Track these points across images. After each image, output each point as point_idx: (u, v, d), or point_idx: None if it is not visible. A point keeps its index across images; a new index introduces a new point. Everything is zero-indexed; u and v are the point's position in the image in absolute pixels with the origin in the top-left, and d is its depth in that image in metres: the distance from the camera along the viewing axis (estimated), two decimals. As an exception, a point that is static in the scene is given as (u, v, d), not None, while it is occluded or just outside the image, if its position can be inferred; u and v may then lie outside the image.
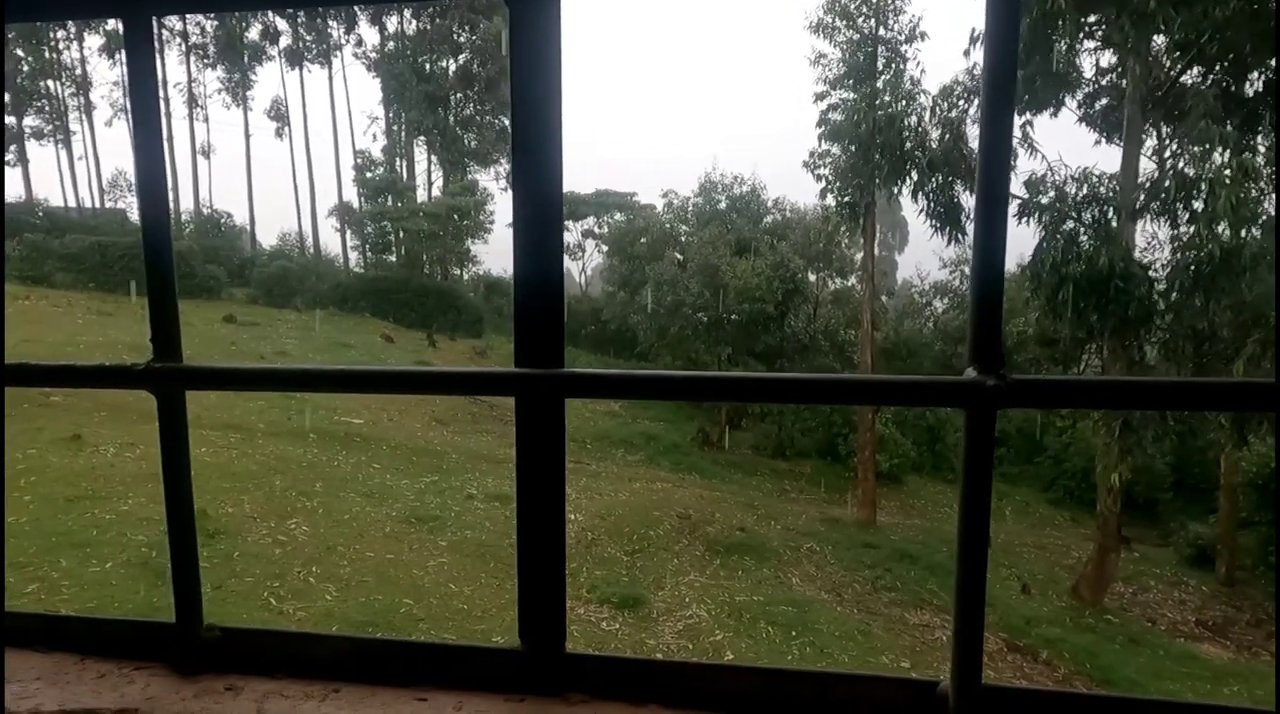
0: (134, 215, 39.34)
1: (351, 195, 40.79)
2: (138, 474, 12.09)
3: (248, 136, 41.94)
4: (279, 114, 42.75)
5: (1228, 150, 12.95)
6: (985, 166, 0.77)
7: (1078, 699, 0.83)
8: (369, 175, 39.38)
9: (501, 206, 38.51)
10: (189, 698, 0.88)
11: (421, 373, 0.90)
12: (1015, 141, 14.79)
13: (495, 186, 42.68)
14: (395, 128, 43.10)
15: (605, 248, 35.97)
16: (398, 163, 42.36)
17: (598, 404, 23.38)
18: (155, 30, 0.91)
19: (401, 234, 37.16)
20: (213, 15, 40.06)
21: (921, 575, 13.72)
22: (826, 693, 0.88)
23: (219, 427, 15.24)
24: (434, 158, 43.51)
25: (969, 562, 0.80)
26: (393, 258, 38.88)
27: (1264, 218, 13.01)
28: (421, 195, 41.36)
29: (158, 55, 0.93)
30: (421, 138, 42.94)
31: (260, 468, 13.55)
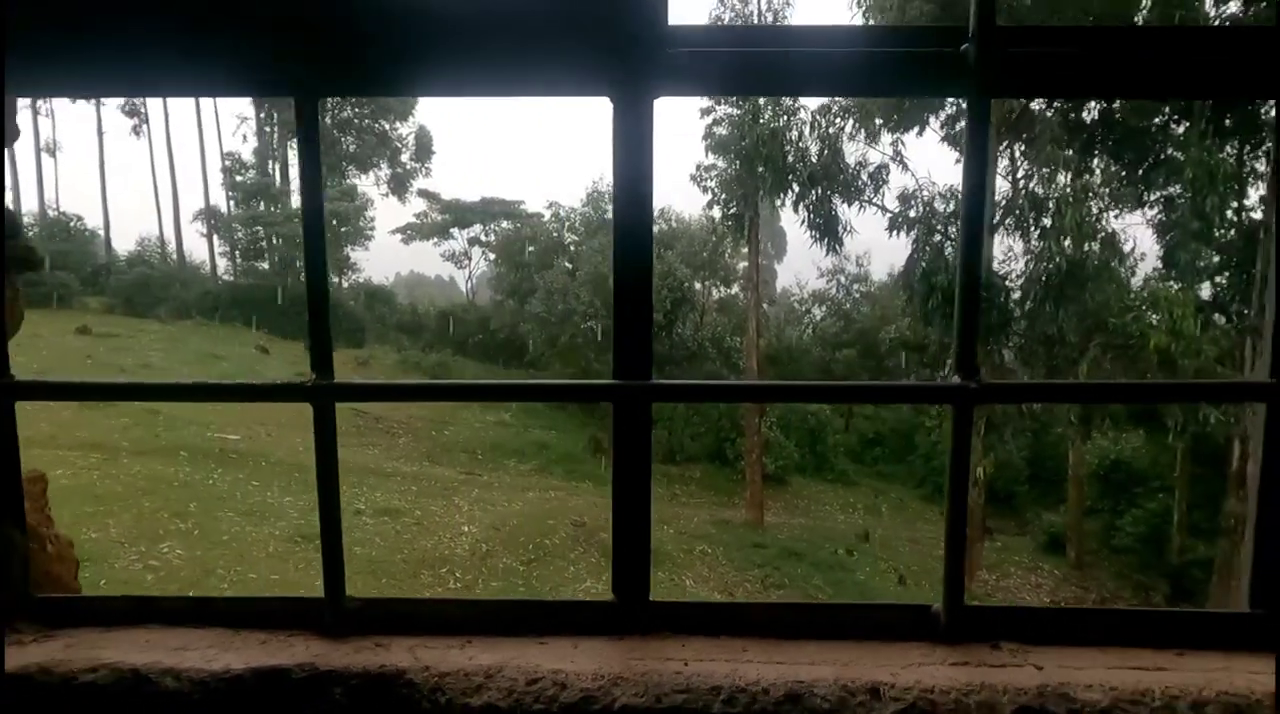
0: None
1: (219, 199, 38.68)
2: None
3: (100, 134, 39.14)
4: (136, 111, 40.03)
5: (1069, 172, 14.39)
6: (968, 203, 1.01)
7: (1043, 613, 1.10)
8: (239, 178, 37.43)
9: (382, 213, 37.58)
10: (349, 653, 1.01)
11: (525, 385, 1.15)
12: (887, 158, 15.66)
13: (376, 192, 41.48)
14: (267, 129, 41.20)
15: (493, 256, 35.67)
16: (270, 166, 40.49)
17: (488, 415, 23.22)
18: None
19: (276, 240, 35.55)
20: None
21: (808, 572, 14.38)
22: (844, 620, 1.15)
23: (78, 446, 14.15)
24: (309, 161, 41.70)
25: (955, 514, 1.10)
26: (265, 265, 37.10)
27: (1101, 234, 14.50)
28: (296, 200, 39.64)
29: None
30: (295, 140, 41.12)
31: (126, 489, 12.73)
